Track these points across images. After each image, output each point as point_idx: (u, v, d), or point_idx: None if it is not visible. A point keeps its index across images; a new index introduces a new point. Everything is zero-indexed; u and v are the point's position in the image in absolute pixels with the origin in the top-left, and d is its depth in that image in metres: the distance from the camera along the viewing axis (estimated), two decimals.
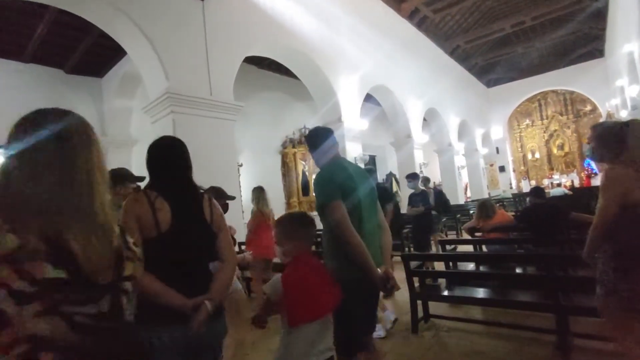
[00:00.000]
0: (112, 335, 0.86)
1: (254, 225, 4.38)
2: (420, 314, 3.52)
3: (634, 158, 1.70)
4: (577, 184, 17.50)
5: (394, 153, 11.79)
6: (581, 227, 3.83)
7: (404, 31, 11.59)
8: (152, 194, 1.38)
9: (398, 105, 10.75)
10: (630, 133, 1.74)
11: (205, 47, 5.60)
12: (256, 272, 4.32)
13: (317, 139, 2.05)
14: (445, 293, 3.53)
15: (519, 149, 20.41)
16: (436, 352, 3.01)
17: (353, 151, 8.50)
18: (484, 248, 4.57)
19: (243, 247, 4.79)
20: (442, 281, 4.10)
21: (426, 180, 6.73)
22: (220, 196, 2.91)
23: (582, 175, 18.03)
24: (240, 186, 6.96)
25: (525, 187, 18.38)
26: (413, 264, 3.65)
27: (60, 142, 0.89)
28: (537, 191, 4.28)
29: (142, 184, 1.68)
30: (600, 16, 13.07)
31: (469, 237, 4.78)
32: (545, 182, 18.23)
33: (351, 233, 1.76)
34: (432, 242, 6.11)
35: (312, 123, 11.24)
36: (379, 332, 3.19)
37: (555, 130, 19.36)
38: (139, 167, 2.22)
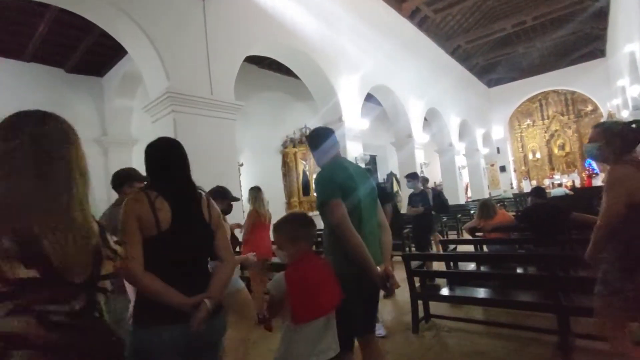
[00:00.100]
0: (86, 333, 0.87)
1: (250, 225, 4.39)
2: (421, 314, 3.51)
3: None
4: (578, 184, 17.47)
5: (395, 153, 11.78)
6: (582, 228, 3.83)
7: (405, 31, 11.58)
8: (152, 193, 1.39)
9: (399, 105, 10.74)
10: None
11: (206, 46, 5.60)
12: (255, 271, 4.32)
13: (318, 138, 2.07)
14: (446, 293, 3.53)
15: (520, 149, 20.39)
16: (437, 352, 3.01)
17: (354, 151, 8.50)
18: (485, 248, 4.57)
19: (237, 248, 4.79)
20: (440, 281, 4.10)
21: (424, 180, 6.72)
22: (225, 197, 2.91)
23: (583, 175, 18.00)
24: (240, 186, 6.96)
25: (526, 187, 18.36)
26: (414, 263, 3.65)
27: (36, 144, 0.89)
28: (538, 191, 4.27)
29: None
30: (601, 16, 13.05)
31: (470, 237, 4.77)
32: (546, 182, 18.21)
33: (351, 232, 1.77)
34: (432, 242, 6.10)
35: (312, 123, 11.25)
36: (379, 331, 3.19)
37: (556, 130, 19.34)
38: (139, 166, 2.22)
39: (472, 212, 10.01)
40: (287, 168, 11.71)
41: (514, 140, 20.56)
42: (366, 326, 1.97)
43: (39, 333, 0.78)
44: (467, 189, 16.71)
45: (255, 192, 4.59)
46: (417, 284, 3.60)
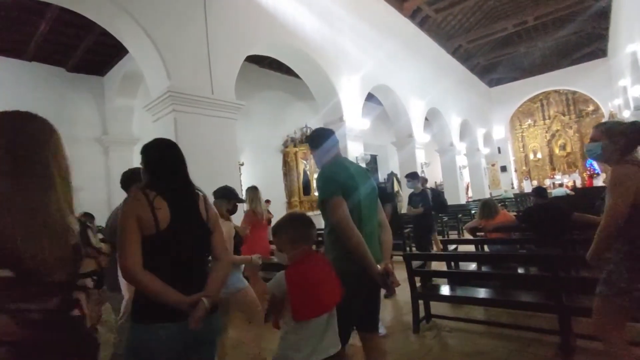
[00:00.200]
0: (60, 330, 0.88)
1: (247, 225, 4.40)
2: (422, 313, 3.51)
3: None
4: (579, 184, 17.44)
5: (396, 153, 11.77)
6: (584, 228, 3.83)
7: (406, 31, 11.57)
8: (151, 193, 1.41)
9: (399, 105, 10.73)
10: None
11: (207, 45, 5.59)
12: (253, 270, 4.33)
13: (319, 138, 2.09)
14: (447, 293, 3.52)
15: (521, 149, 20.37)
16: (437, 352, 3.00)
17: (354, 151, 8.49)
18: (486, 248, 4.56)
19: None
20: (440, 281, 4.09)
21: (423, 180, 6.70)
22: (231, 197, 2.92)
23: (584, 175, 17.98)
24: (241, 185, 6.96)
25: (527, 187, 18.34)
26: (415, 263, 3.64)
27: (13, 146, 0.90)
28: (539, 191, 4.26)
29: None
30: (603, 16, 13.02)
31: (471, 237, 4.76)
32: (547, 182, 18.20)
33: (352, 229, 1.78)
34: (432, 241, 6.08)
35: (313, 122, 11.25)
36: (379, 330, 3.18)
37: (558, 130, 19.32)
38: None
39: (472, 212, 10.00)
40: (287, 167, 11.71)
41: (515, 140, 20.54)
42: (369, 325, 1.98)
43: (12, 330, 0.80)
44: (467, 189, 16.70)
45: (252, 192, 4.60)
46: (418, 284, 3.60)
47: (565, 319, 2.73)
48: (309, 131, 11.22)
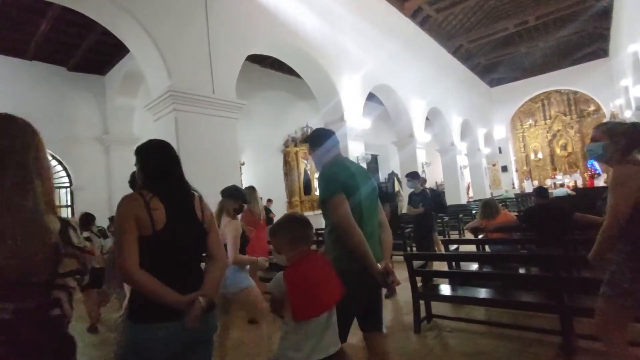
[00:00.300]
0: (34, 330, 0.89)
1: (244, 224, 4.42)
2: (423, 314, 3.50)
3: None
4: (580, 184, 17.42)
5: (396, 152, 11.76)
6: (585, 228, 3.82)
7: (407, 30, 11.56)
8: (147, 194, 1.43)
9: (400, 105, 10.73)
10: None
11: (208, 45, 5.59)
12: (253, 271, 4.34)
13: (320, 138, 2.09)
14: (448, 293, 3.51)
15: (522, 149, 20.35)
16: (439, 352, 3.00)
17: (355, 150, 8.48)
18: (487, 248, 4.55)
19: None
20: (441, 281, 4.09)
21: (422, 180, 6.68)
22: (238, 197, 2.93)
23: (585, 175, 17.96)
24: (242, 185, 6.96)
25: (528, 187, 18.32)
26: (416, 263, 3.64)
27: None
28: (540, 191, 4.25)
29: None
30: (604, 16, 12.99)
31: (472, 237, 4.75)
32: (548, 182, 18.18)
33: (354, 228, 1.78)
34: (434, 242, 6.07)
35: (314, 122, 11.25)
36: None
37: (559, 130, 19.30)
38: None
39: (473, 212, 9.98)
40: (288, 167, 11.71)
41: (516, 140, 20.53)
42: (372, 324, 1.98)
43: None
44: (468, 189, 16.69)
45: (250, 192, 4.60)
46: (419, 284, 3.60)
47: (566, 319, 2.73)
48: (309, 131, 11.22)
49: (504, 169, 19.10)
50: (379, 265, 1.82)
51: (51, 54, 8.32)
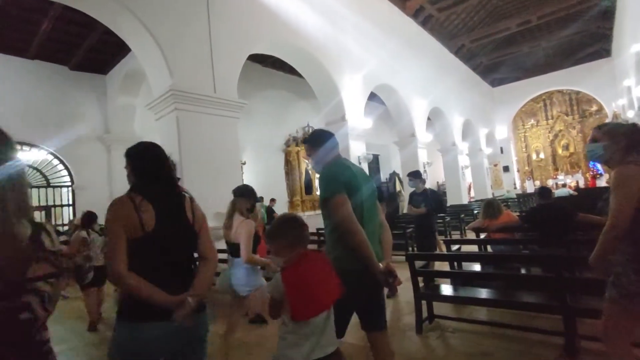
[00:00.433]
0: (3, 333, 0.89)
1: None
2: (425, 314, 3.49)
3: None
4: (582, 184, 17.38)
5: (398, 152, 11.75)
6: (587, 228, 3.80)
7: (409, 30, 11.54)
8: (137, 197, 1.45)
9: (402, 104, 10.71)
10: None
11: (210, 44, 5.58)
12: None
13: (320, 139, 2.08)
14: (450, 293, 3.50)
15: (524, 149, 20.31)
16: (441, 353, 2.98)
17: (356, 150, 8.47)
18: (489, 248, 4.53)
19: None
20: (442, 281, 4.07)
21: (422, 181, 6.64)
22: (250, 196, 2.93)
23: (587, 175, 17.91)
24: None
25: (530, 187, 18.28)
26: (418, 263, 3.62)
27: None
28: (544, 192, 4.23)
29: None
30: (607, 15, 12.95)
31: (474, 237, 4.73)
32: (550, 182, 18.13)
33: (357, 227, 1.78)
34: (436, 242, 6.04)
35: (315, 122, 11.24)
36: None
37: (561, 131, 19.25)
38: None
39: (475, 212, 9.96)
40: (289, 167, 11.71)
41: (518, 140, 20.48)
42: (375, 324, 1.97)
43: None
44: (470, 189, 16.66)
45: None
46: (421, 284, 3.58)
47: (569, 320, 2.71)
48: (310, 130, 11.21)
49: (506, 169, 19.07)
50: (380, 265, 1.81)
51: (53, 53, 8.33)
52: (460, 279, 3.75)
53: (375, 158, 16.84)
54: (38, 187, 8.50)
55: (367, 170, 8.48)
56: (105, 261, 1.35)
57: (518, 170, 20.15)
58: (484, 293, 3.30)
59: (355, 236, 1.77)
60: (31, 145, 8.09)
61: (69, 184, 8.95)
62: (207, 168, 5.19)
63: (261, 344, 3.28)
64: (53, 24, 7.06)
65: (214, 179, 5.24)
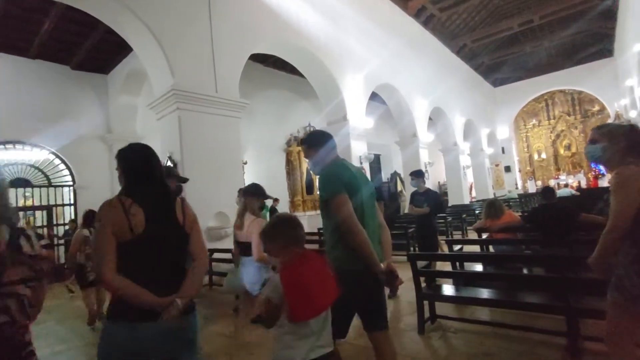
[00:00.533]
0: None
1: None
2: (427, 314, 3.47)
3: None
4: (584, 184, 17.33)
5: (399, 152, 11.74)
6: (590, 228, 3.78)
7: (411, 29, 11.52)
8: (126, 200, 1.46)
9: (403, 104, 10.69)
10: None
11: (211, 44, 5.58)
12: None
13: (319, 140, 2.08)
14: (452, 293, 3.49)
15: (525, 149, 20.27)
16: (443, 353, 2.97)
17: (358, 150, 8.46)
18: (491, 248, 4.52)
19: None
20: (444, 281, 4.06)
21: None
22: (260, 195, 2.94)
23: (590, 176, 17.86)
24: (244, 184, 6.95)
25: (531, 187, 18.25)
26: (419, 263, 3.61)
27: None
28: (547, 191, 4.22)
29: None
30: (610, 15, 12.90)
31: (476, 237, 4.72)
32: (552, 182, 18.10)
33: (358, 227, 1.78)
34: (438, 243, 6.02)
35: (317, 121, 11.23)
36: None
37: (562, 131, 19.21)
38: None
39: (476, 212, 9.94)
40: (291, 167, 11.70)
41: (519, 140, 20.44)
42: (377, 324, 1.97)
43: None
44: (471, 189, 16.63)
45: None
46: (423, 284, 3.57)
47: (572, 321, 2.69)
48: (312, 130, 11.21)
49: (507, 169, 19.03)
50: (381, 265, 1.81)
51: (54, 52, 8.34)
52: (462, 279, 3.74)
53: (377, 158, 16.82)
54: (39, 186, 8.51)
55: (368, 170, 8.47)
56: (93, 264, 1.35)
57: (520, 171, 20.11)
58: (486, 293, 3.28)
59: (356, 236, 1.77)
60: (32, 144, 8.11)
61: (71, 183, 8.96)
62: (209, 168, 5.19)
63: (263, 344, 3.28)
64: (54, 24, 7.06)
65: (215, 179, 5.24)
